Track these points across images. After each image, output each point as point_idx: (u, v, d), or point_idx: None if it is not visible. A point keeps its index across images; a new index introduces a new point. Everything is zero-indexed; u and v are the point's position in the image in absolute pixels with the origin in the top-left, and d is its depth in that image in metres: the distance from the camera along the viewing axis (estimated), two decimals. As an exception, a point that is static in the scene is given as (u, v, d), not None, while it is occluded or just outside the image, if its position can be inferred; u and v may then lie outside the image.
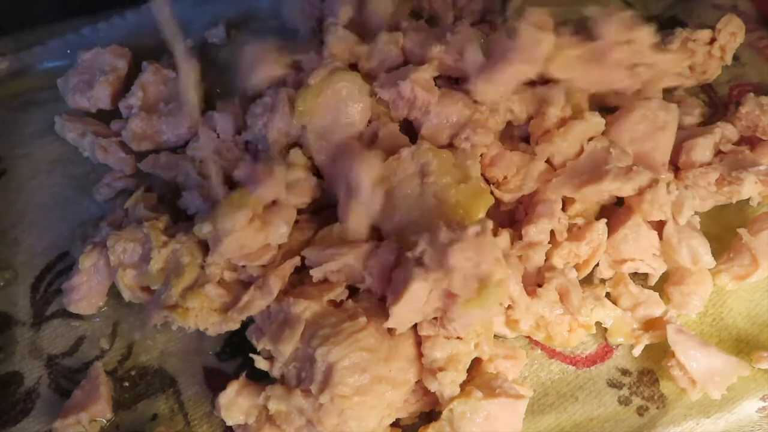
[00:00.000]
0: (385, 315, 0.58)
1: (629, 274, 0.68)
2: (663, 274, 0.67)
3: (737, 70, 0.82)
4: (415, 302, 0.57)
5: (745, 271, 0.66)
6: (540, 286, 0.64)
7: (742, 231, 0.66)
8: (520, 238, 0.66)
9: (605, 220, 0.66)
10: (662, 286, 0.67)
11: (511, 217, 0.70)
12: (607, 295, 0.67)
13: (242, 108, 0.78)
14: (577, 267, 0.66)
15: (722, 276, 0.67)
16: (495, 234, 0.64)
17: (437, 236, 0.56)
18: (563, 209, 0.67)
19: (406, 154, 0.66)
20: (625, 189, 0.65)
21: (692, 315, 0.67)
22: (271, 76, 0.72)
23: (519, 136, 0.73)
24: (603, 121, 0.69)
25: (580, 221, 0.67)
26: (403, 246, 0.61)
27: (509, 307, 0.63)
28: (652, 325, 0.65)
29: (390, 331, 0.59)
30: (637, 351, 0.64)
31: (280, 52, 0.73)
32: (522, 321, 0.63)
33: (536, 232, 0.65)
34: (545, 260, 0.66)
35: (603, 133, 0.70)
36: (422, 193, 0.64)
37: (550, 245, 0.66)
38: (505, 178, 0.69)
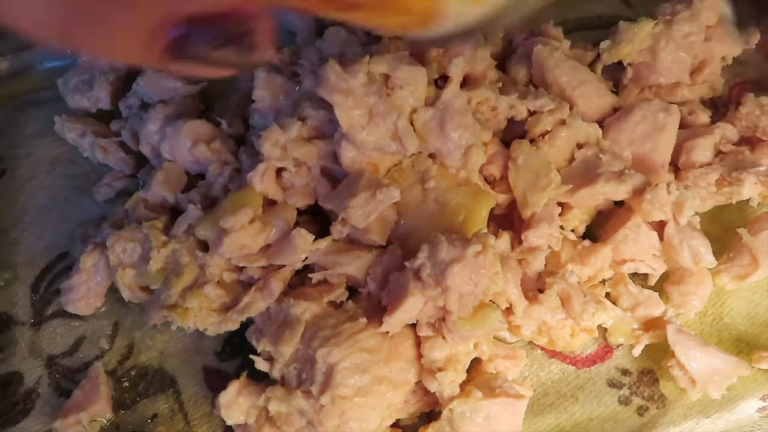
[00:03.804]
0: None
1: (629, 274, 0.68)
2: (663, 273, 0.67)
3: (737, 68, 0.81)
4: (409, 312, 0.57)
5: (745, 271, 0.66)
6: (541, 291, 0.64)
7: (742, 231, 0.66)
8: (521, 242, 0.66)
9: (611, 246, 0.66)
10: (662, 285, 0.67)
11: (512, 220, 0.69)
12: (607, 295, 0.67)
13: (241, 108, 0.79)
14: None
15: (722, 276, 0.67)
16: (495, 236, 0.64)
17: (437, 251, 0.56)
18: (560, 215, 0.67)
19: (407, 163, 0.66)
20: (619, 191, 0.65)
21: (691, 315, 0.67)
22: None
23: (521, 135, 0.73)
24: (586, 124, 0.69)
25: (586, 243, 0.67)
26: (405, 253, 0.61)
27: (508, 310, 0.63)
28: (652, 325, 0.65)
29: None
30: (637, 351, 0.64)
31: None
32: (523, 326, 0.63)
33: (536, 236, 0.65)
34: (545, 265, 0.66)
35: (602, 134, 0.71)
36: (424, 199, 0.64)
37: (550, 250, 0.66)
38: (503, 176, 0.69)
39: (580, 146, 0.70)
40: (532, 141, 0.70)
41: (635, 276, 0.68)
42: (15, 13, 0.27)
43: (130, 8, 0.26)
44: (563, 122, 0.69)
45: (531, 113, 0.71)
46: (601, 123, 0.72)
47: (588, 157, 0.68)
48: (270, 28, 0.28)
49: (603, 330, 0.66)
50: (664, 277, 0.68)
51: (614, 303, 0.66)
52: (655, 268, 0.67)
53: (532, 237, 0.65)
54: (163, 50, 0.27)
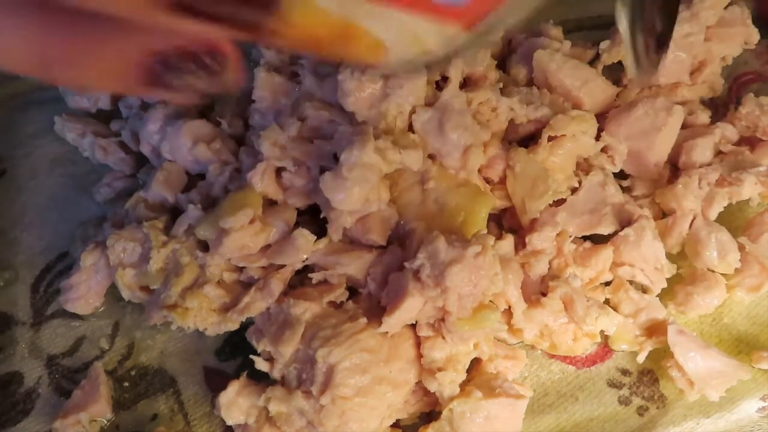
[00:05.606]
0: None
1: (628, 281, 0.67)
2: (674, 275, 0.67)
3: (737, 68, 0.81)
4: (409, 312, 0.57)
5: (758, 281, 0.65)
6: (544, 294, 0.64)
7: (744, 240, 0.66)
8: (524, 245, 0.65)
9: (612, 248, 0.66)
10: (672, 287, 0.67)
11: (519, 222, 0.69)
12: (607, 301, 0.66)
13: (241, 108, 0.78)
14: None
15: (737, 291, 0.66)
16: (497, 238, 0.64)
17: (437, 251, 0.56)
18: None
19: None
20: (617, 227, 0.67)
21: (691, 315, 0.66)
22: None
23: (522, 136, 0.73)
24: (591, 141, 0.69)
25: (587, 245, 0.67)
26: (405, 253, 0.61)
27: (508, 312, 0.63)
28: (654, 330, 0.64)
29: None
30: (641, 358, 0.64)
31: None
32: (526, 330, 0.63)
33: (540, 240, 0.65)
34: (549, 268, 0.66)
35: (604, 126, 0.70)
36: (424, 199, 0.64)
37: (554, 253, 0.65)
38: (502, 180, 0.69)
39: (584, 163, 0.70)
40: (536, 143, 0.70)
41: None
42: None
43: (105, 47, 0.29)
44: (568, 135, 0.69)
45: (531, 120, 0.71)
46: (604, 115, 0.72)
47: (593, 185, 0.68)
48: (238, 57, 0.31)
49: (604, 332, 0.66)
50: (677, 280, 0.67)
51: (615, 309, 0.65)
52: (653, 281, 0.66)
53: (536, 240, 0.65)
54: (138, 81, 0.30)
